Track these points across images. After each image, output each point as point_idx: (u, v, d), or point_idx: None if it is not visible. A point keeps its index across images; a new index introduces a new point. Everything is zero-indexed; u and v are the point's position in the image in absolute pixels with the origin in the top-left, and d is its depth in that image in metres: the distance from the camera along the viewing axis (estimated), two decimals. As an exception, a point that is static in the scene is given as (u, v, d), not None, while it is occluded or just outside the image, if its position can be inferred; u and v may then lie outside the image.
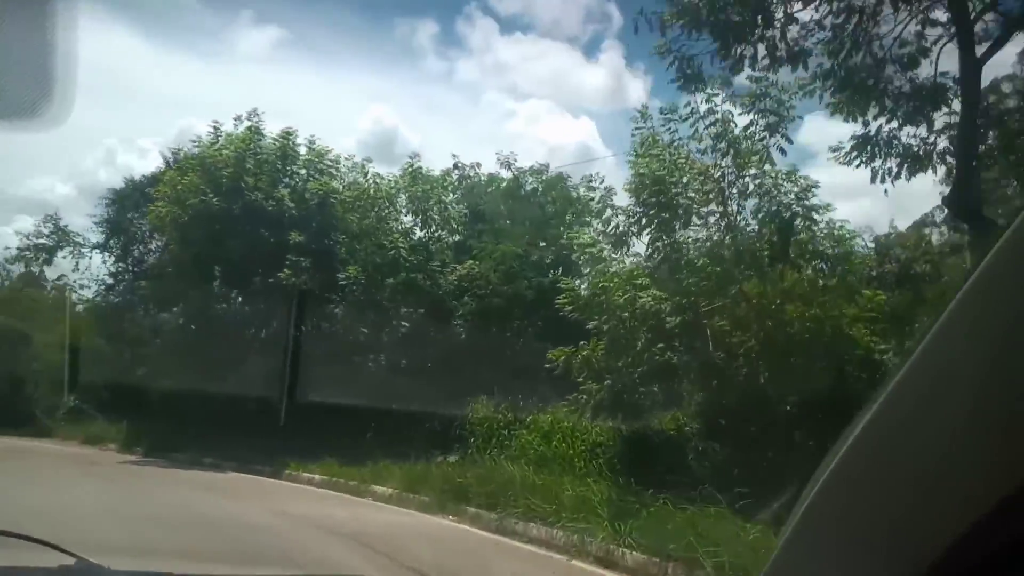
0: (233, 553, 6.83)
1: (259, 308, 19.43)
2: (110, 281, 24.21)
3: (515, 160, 19.88)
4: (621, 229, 10.66)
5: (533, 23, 52.57)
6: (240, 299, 20.34)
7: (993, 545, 0.63)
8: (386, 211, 18.66)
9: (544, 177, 20.33)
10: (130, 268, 24.14)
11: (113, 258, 24.40)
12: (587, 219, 15.24)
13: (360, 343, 18.00)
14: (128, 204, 23.89)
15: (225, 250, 18.26)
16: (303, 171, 19.54)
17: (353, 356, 17.92)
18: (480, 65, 50.63)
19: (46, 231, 23.39)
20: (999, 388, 0.59)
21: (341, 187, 19.26)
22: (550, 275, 15.68)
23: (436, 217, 18.69)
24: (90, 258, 24.31)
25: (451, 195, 19.72)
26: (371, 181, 19.32)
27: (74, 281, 23.84)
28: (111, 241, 24.24)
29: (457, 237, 18.85)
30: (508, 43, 50.17)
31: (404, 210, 19.07)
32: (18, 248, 24.13)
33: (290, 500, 11.89)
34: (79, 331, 25.04)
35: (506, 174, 20.01)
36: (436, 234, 18.86)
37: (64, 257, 23.91)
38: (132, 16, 44.81)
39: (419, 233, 18.75)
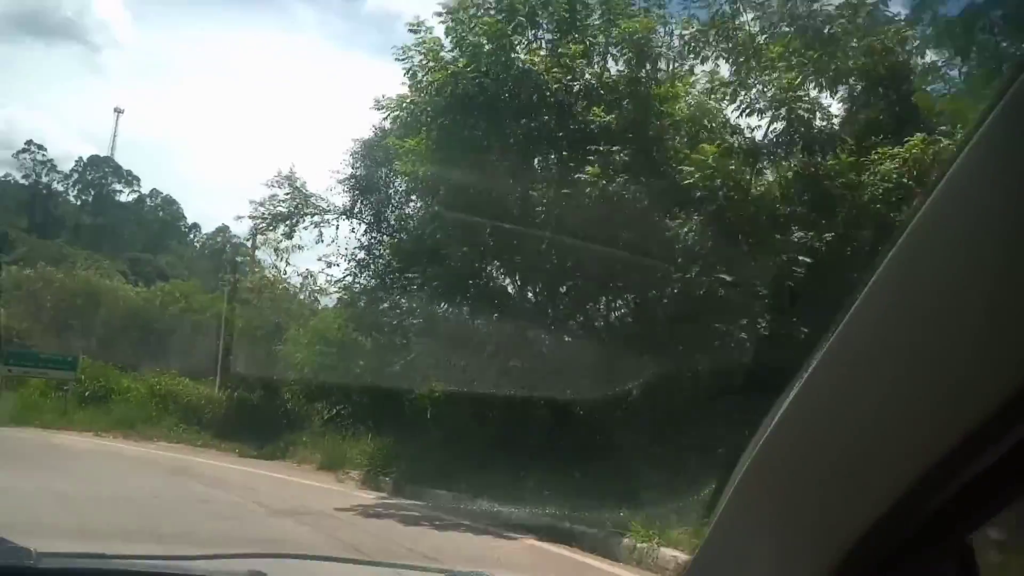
0: None
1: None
2: (362, 256, 18.40)
3: None
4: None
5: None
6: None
7: (915, 525, 0.63)
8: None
9: None
10: (384, 239, 18.34)
11: (364, 227, 18.66)
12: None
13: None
14: (378, 157, 18.24)
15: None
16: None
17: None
18: None
19: (282, 195, 18.21)
20: (923, 365, 0.59)
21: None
22: None
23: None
24: (336, 227, 18.66)
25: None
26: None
27: (321, 258, 18.28)
28: (359, 205, 18.56)
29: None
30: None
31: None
32: (251, 218, 19.07)
33: None
34: (329, 322, 19.64)
35: None
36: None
37: (306, 228, 18.54)
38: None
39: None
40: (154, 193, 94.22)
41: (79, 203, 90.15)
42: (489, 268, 14.50)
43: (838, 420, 0.67)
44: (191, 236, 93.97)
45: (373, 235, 18.63)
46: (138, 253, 79.03)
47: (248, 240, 19.83)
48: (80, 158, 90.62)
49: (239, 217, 18.74)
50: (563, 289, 13.88)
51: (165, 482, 11.03)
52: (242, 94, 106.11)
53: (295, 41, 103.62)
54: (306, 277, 22.02)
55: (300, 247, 22.00)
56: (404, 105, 13.87)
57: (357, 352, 18.91)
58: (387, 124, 16.33)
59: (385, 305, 18.08)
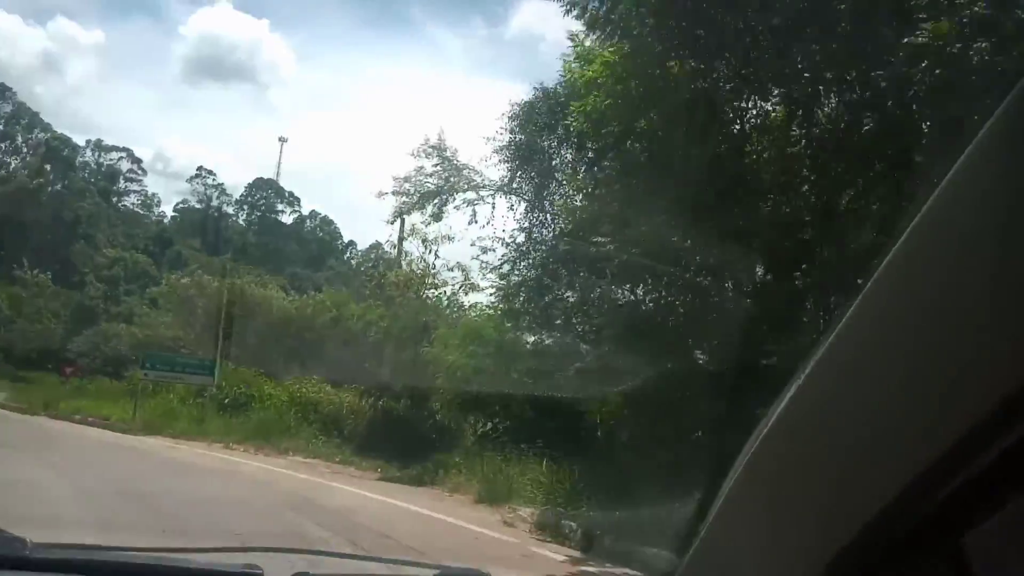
0: None
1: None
2: (522, 239, 14.99)
3: None
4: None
5: None
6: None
7: (908, 527, 0.63)
8: None
9: None
10: (548, 217, 14.91)
11: (524, 204, 15.27)
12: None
13: None
14: (539, 121, 14.87)
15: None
16: None
17: None
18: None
19: (431, 167, 15.18)
20: (919, 367, 0.59)
21: None
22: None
23: None
24: (492, 206, 15.36)
25: None
26: None
27: (475, 242, 15.02)
28: (519, 178, 15.21)
29: None
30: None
31: None
32: (395, 194, 16.07)
33: None
34: (484, 319, 16.40)
35: None
36: None
37: (457, 207, 15.40)
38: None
39: None
40: (313, 214, 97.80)
41: (246, 224, 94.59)
42: (704, 236, 10.52)
43: (834, 421, 0.67)
44: (347, 254, 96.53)
45: (535, 214, 15.31)
46: (298, 269, 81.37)
47: (391, 222, 16.84)
48: (249, 184, 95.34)
49: (381, 193, 15.42)
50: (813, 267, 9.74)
51: (276, 521, 7.91)
52: (392, 121, 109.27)
53: (442, 69, 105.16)
54: (455, 269, 18.96)
55: (450, 237, 19.15)
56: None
57: (517, 354, 15.50)
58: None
59: (551, 296, 14.59)
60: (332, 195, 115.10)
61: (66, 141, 69.72)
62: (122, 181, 78.81)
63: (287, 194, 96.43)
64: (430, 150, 15.45)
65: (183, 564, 1.70)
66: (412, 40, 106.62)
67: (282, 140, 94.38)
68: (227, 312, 32.54)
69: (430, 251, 19.00)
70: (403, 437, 16.12)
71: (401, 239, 20.34)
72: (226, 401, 20.20)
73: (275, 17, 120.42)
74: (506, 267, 14.89)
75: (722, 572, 0.85)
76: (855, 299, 0.64)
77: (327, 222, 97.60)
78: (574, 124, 12.52)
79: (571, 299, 14.19)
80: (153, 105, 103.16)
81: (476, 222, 15.15)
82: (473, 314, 17.34)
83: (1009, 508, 0.60)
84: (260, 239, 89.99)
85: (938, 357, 0.57)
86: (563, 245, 14.06)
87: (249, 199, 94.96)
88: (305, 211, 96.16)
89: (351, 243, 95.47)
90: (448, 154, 15.42)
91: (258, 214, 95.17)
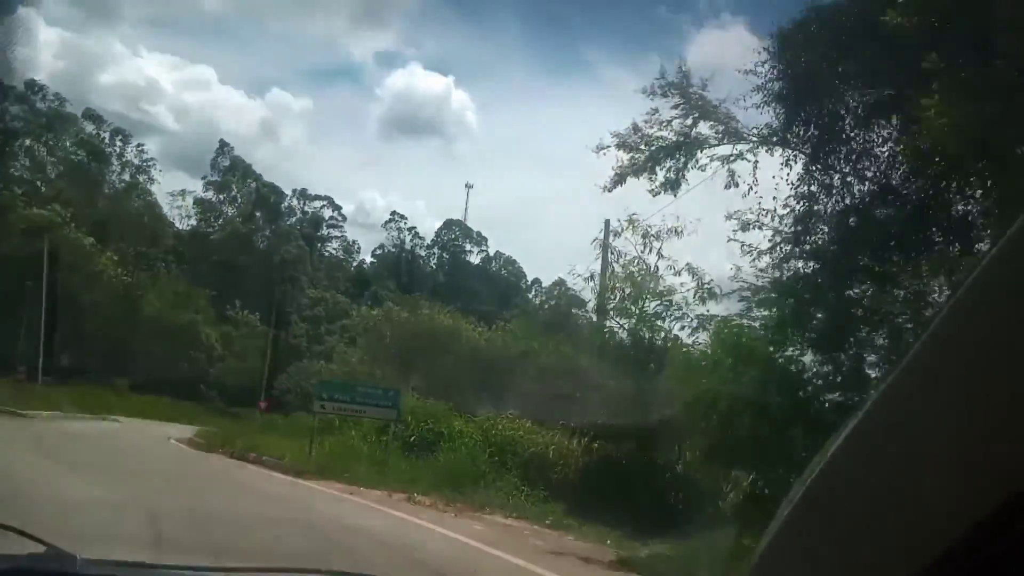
0: None
1: None
2: (800, 211, 10.24)
3: None
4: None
5: None
6: None
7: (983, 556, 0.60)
8: None
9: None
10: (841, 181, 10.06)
11: (802, 161, 10.53)
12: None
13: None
14: (824, 41, 10.16)
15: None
16: None
17: None
18: None
19: (670, 109, 10.80)
20: (987, 395, 0.58)
21: None
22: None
23: None
24: (754, 164, 10.77)
25: None
26: None
27: (732, 215, 10.46)
28: (797, 124, 10.55)
29: None
30: None
31: None
32: (619, 147, 11.80)
33: None
34: (737, 333, 11.75)
35: None
36: None
37: (701, 167, 10.95)
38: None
39: None
40: (497, 255, 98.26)
41: (436, 265, 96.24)
42: None
43: (892, 460, 0.65)
44: (532, 292, 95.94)
45: (820, 175, 10.51)
46: (485, 307, 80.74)
47: (609, 188, 12.56)
48: (439, 227, 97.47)
49: (601, 148, 11.28)
50: None
51: None
52: (571, 161, 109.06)
53: (618, 108, 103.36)
54: (683, 273, 14.35)
55: (677, 231, 14.73)
56: None
57: (795, 380, 10.71)
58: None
59: (851, 291, 9.72)
60: (514, 237, 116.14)
61: (274, 188, 73.88)
62: (324, 228, 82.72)
63: (475, 234, 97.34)
64: (668, 89, 11.18)
65: None
66: (588, 83, 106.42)
67: (468, 187, 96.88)
68: (414, 342, 30.23)
69: (649, 248, 14.73)
70: (631, 492, 11.76)
71: (606, 239, 16.24)
72: (412, 439, 16.98)
73: (460, 74, 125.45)
74: (780, 250, 10.26)
75: None
76: (921, 336, 0.62)
77: (510, 262, 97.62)
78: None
79: (894, 298, 9.25)
80: (353, 162, 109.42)
81: (736, 184, 10.60)
82: (722, 328, 12.65)
83: None
84: (450, 279, 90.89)
85: (1005, 404, 0.54)
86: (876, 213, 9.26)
87: (440, 240, 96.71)
88: (490, 252, 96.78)
89: (536, 281, 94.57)
90: (694, 92, 11.05)
91: (448, 255, 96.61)
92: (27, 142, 61.27)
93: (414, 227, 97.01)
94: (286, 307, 67.97)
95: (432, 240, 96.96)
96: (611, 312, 14.49)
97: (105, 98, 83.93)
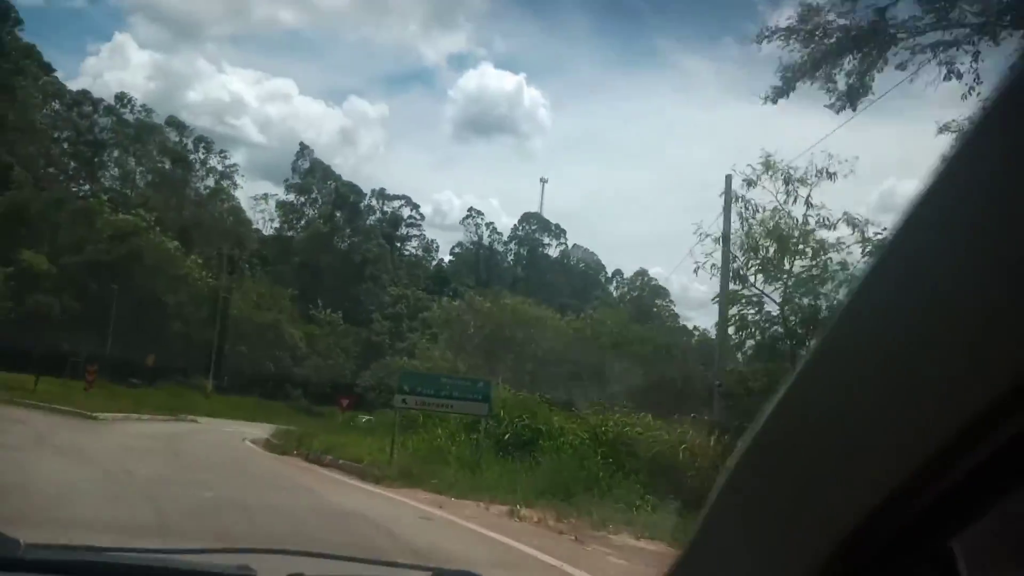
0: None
1: None
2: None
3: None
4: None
5: None
6: None
7: (895, 529, 0.61)
8: None
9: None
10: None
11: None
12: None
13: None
14: None
15: None
16: None
17: None
18: None
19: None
20: (914, 360, 0.57)
21: None
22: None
23: None
24: (974, 56, 7.77)
25: None
26: None
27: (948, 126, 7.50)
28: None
29: None
30: None
31: None
32: (787, 32, 8.85)
33: None
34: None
35: None
36: None
37: (900, 65, 7.95)
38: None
39: None
40: (576, 248, 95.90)
41: (514, 260, 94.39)
42: None
43: (817, 425, 0.65)
44: (613, 283, 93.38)
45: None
46: (565, 299, 78.36)
47: (767, 98, 9.55)
48: (517, 221, 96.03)
49: (762, 37, 8.44)
50: None
51: None
52: (646, 152, 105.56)
53: (692, 95, 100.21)
54: (838, 225, 11.28)
55: (829, 173, 11.65)
56: None
57: None
58: None
59: None
60: (590, 230, 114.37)
61: (353, 188, 73.36)
62: (403, 227, 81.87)
63: (553, 226, 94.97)
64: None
65: (175, 565, 1.62)
66: (661, 72, 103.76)
67: (543, 181, 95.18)
68: (499, 332, 27.95)
69: (792, 196, 11.72)
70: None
71: (728, 194, 13.25)
72: (506, 437, 14.56)
73: (531, 71, 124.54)
74: None
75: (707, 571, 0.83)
76: (851, 292, 0.62)
77: (589, 254, 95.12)
78: None
79: None
80: (428, 164, 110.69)
81: (955, 76, 7.59)
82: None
83: (998, 509, 0.58)
84: (528, 273, 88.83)
85: (924, 357, 0.55)
86: None
87: (517, 234, 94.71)
88: (568, 244, 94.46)
89: (617, 272, 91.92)
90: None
91: (525, 249, 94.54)
92: (116, 152, 62.58)
93: (492, 223, 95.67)
94: (368, 305, 67.18)
95: (509, 235, 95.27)
96: (752, 275, 11.62)
97: (193, 114, 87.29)
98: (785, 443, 0.69)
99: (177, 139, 66.68)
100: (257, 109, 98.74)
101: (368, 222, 73.42)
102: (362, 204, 72.67)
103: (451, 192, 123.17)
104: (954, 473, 0.55)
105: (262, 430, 25.28)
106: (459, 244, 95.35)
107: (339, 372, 52.58)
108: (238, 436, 21.81)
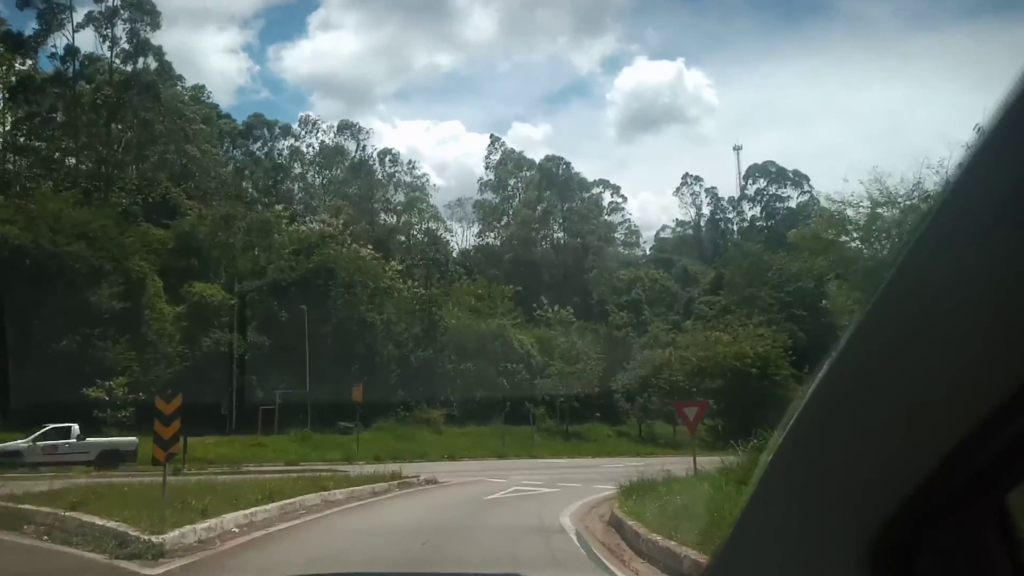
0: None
1: None
2: None
3: None
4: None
5: None
6: None
7: (952, 487, 0.62)
8: None
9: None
10: None
11: None
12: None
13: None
14: None
15: None
16: None
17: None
18: None
19: None
20: (966, 324, 0.57)
21: None
22: None
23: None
24: None
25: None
26: None
27: None
28: None
29: None
30: None
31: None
32: None
33: None
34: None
35: None
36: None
37: None
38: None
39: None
40: (814, 197, 78.32)
41: (748, 221, 78.45)
42: None
43: (868, 394, 0.65)
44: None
45: None
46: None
47: None
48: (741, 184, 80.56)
49: None
50: None
51: None
52: (827, 108, 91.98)
53: (867, 42, 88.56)
54: None
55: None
56: None
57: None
58: None
59: None
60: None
61: (557, 160, 61.42)
62: (607, 212, 69.15)
63: (790, 174, 77.70)
64: None
65: None
66: (830, 23, 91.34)
67: (736, 148, 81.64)
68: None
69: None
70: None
71: None
72: None
73: (688, 53, 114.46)
74: None
75: (756, 555, 0.83)
76: (894, 265, 0.63)
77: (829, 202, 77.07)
78: None
79: None
80: (601, 171, 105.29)
81: None
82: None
83: None
84: (770, 232, 72.12)
85: (979, 320, 0.55)
86: None
87: (745, 193, 78.69)
88: (812, 191, 77.17)
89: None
90: None
91: (759, 206, 78.37)
92: (300, 169, 56.26)
93: (713, 187, 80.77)
94: (599, 295, 54.85)
95: (741, 192, 79.43)
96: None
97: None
98: (835, 412, 0.68)
99: (359, 153, 58.79)
100: (432, 155, 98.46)
101: (573, 204, 60.56)
102: (571, 179, 60.02)
103: (626, 193, 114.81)
104: (1009, 431, 0.54)
105: (549, 479, 13.60)
106: (675, 221, 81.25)
107: (587, 380, 40.32)
108: (547, 508, 9.86)
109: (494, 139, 66.19)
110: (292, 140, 58.57)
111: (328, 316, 33.93)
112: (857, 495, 0.67)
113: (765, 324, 42.67)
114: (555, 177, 58.90)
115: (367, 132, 54.00)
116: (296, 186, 54.66)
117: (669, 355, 39.52)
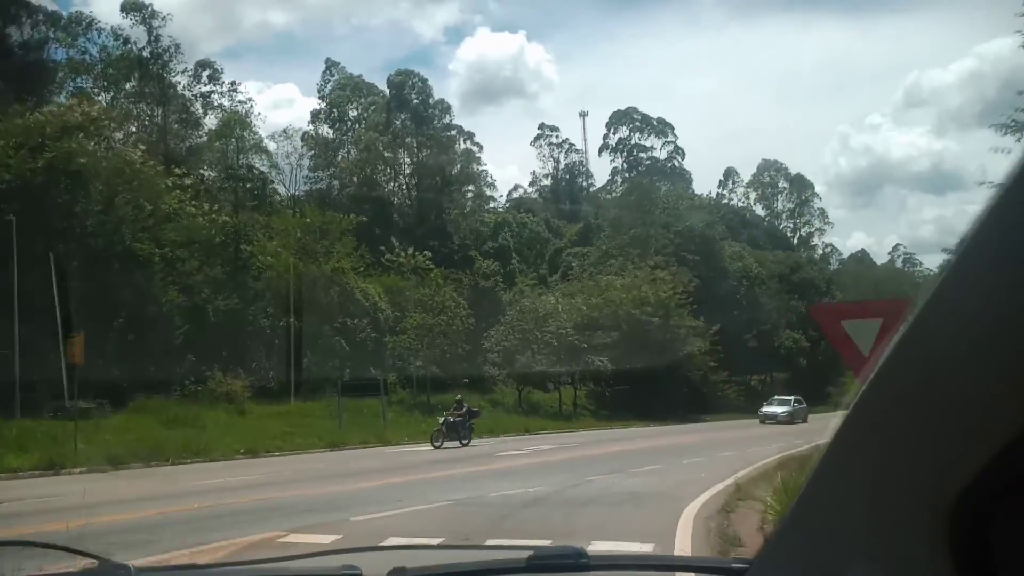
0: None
1: None
2: None
3: None
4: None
5: None
6: None
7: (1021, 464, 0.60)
8: None
9: None
10: None
11: None
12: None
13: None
14: None
15: None
16: None
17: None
18: None
19: None
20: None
21: None
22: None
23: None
24: None
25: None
26: None
27: None
28: None
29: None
30: None
31: None
32: None
33: None
34: None
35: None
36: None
37: None
38: None
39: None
40: (678, 148, 74.26)
41: (609, 171, 72.53)
42: None
43: (945, 360, 0.63)
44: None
45: None
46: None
47: None
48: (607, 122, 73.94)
49: None
50: None
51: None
52: (660, 89, 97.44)
53: (697, 27, 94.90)
54: None
55: None
56: None
57: None
58: None
59: None
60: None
61: (410, 74, 50.77)
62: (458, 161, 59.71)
63: (654, 121, 72.32)
64: None
65: (279, 573, 1.61)
66: (665, 7, 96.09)
67: (583, 115, 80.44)
68: None
69: None
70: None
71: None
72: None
73: (530, 27, 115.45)
74: None
75: (827, 523, 0.83)
76: (961, 245, 0.60)
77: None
78: None
79: None
80: None
81: None
82: None
83: None
84: (637, 180, 66.42)
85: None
86: None
87: (607, 143, 72.41)
88: (677, 141, 72.29)
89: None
90: None
91: (622, 156, 72.53)
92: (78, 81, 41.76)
93: (567, 138, 74.38)
94: (455, 240, 45.63)
95: (599, 145, 73.08)
96: None
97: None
98: (905, 388, 0.67)
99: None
100: (265, 122, 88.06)
101: (439, 127, 50.32)
102: (428, 100, 49.53)
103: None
104: None
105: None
106: (533, 174, 73.64)
107: (454, 337, 31.19)
108: None
109: (329, 64, 54.43)
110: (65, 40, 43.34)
111: (68, 241, 22.01)
112: (937, 463, 0.65)
113: (662, 266, 35.77)
114: (407, 100, 48.35)
115: (163, 17, 40.19)
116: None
117: (556, 302, 31.35)
